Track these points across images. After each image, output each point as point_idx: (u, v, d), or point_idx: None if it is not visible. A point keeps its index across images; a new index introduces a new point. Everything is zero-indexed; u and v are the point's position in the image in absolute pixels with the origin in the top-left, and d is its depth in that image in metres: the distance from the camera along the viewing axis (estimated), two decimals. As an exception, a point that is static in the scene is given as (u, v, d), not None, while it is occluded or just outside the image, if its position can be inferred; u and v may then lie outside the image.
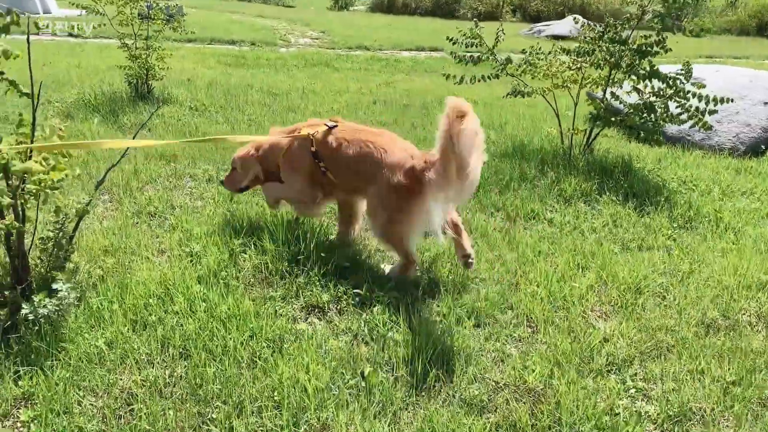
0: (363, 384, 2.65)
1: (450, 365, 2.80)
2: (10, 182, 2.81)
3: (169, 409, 2.48)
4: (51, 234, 3.07)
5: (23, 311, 2.81)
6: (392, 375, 2.73)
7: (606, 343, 3.06)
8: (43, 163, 2.90)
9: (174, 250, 3.69)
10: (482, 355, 2.91)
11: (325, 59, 13.10)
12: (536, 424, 2.51)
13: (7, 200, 2.74)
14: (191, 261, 3.53)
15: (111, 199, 4.48)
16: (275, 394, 2.56)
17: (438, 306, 3.26)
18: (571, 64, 5.75)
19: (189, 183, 4.91)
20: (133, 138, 4.25)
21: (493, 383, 2.73)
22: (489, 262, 3.76)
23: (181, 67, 9.92)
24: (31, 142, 2.80)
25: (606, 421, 2.53)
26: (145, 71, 7.23)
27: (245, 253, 3.57)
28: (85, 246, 3.62)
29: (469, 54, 5.86)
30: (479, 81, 5.87)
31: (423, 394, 2.63)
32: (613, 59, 5.43)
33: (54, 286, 2.94)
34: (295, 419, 2.45)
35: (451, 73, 5.99)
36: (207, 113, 7.11)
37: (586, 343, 3.02)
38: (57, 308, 2.90)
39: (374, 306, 3.19)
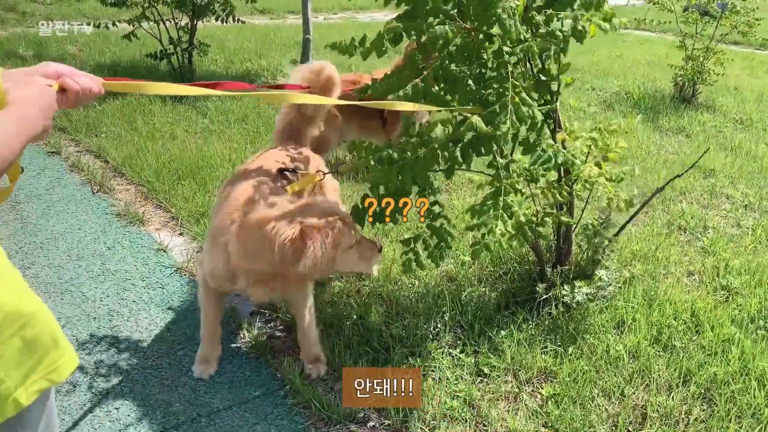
0: None
1: None
2: (567, 178, 2.99)
3: (681, 449, 2.35)
4: (595, 225, 3.20)
5: (562, 292, 3.04)
6: None
7: None
8: (603, 168, 3.00)
9: (705, 276, 3.45)
10: None
11: None
12: None
13: (565, 197, 2.92)
14: (726, 296, 3.24)
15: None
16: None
17: None
18: None
19: (725, 204, 4.52)
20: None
21: None
22: None
23: (725, 73, 9.19)
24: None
25: None
26: (697, 74, 6.91)
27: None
28: (617, 246, 3.69)
29: None
30: None
31: None
32: None
33: (597, 273, 3.09)
34: None
35: None
36: (753, 128, 6.41)
37: None
38: (591, 298, 3.05)
39: None
